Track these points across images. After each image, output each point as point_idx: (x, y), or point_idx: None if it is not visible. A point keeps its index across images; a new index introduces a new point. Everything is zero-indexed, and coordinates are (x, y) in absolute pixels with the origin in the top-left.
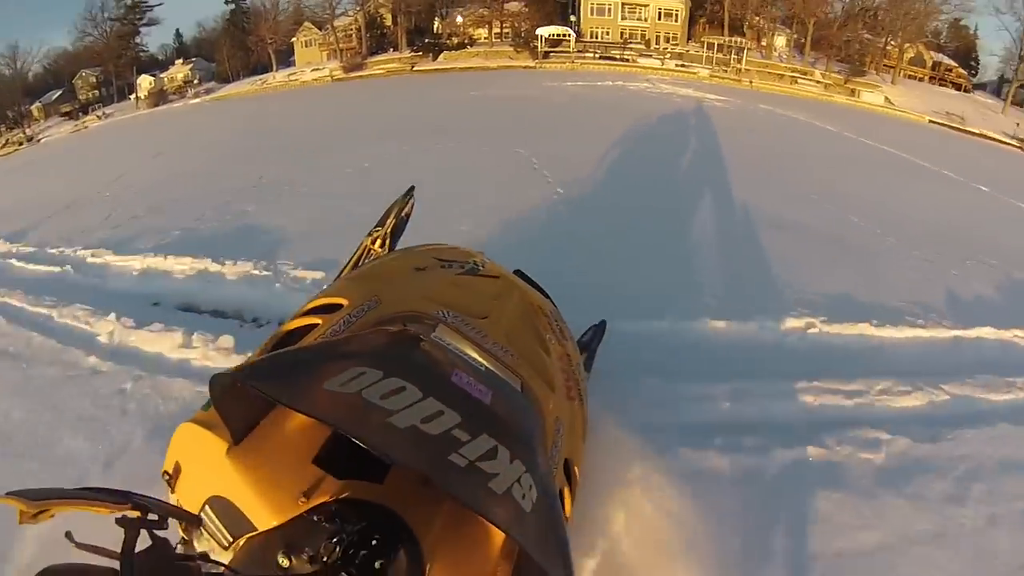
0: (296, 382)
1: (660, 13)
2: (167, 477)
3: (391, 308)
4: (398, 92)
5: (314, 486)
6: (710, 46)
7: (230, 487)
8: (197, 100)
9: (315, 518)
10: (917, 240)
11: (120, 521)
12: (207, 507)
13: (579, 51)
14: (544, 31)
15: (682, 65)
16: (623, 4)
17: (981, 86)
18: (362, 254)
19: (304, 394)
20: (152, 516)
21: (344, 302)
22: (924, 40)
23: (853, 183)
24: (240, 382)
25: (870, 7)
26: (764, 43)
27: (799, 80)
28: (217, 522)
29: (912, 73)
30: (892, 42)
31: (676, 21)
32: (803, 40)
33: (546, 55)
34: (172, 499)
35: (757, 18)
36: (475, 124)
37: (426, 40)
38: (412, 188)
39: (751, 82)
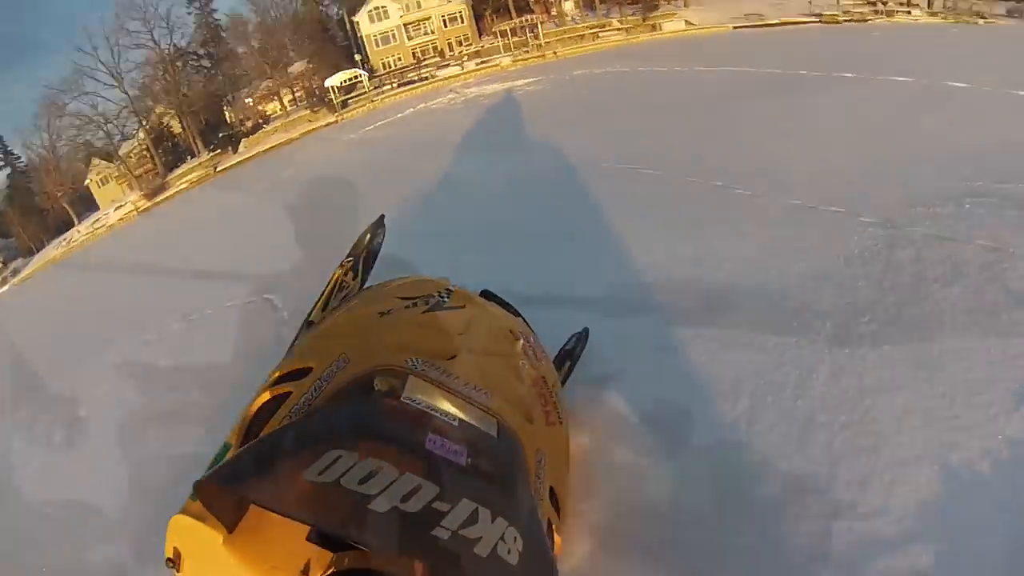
0: (276, 479)
1: (445, 20)
2: (170, 563)
3: (359, 365)
4: (195, 214)
5: (310, 561)
6: (503, 33)
7: (232, 572)
8: (5, 288)
9: None
10: None
11: None
12: None
13: (376, 87)
14: (333, 81)
15: (483, 62)
16: (405, 25)
17: None
18: (334, 286)
19: (285, 493)
20: None
21: (313, 365)
22: None
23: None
24: (222, 486)
25: None
26: (555, 12)
27: (600, 34)
28: None
29: None
30: None
31: (463, 23)
32: None
33: (344, 104)
34: None
35: None
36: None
37: (220, 135)
38: (382, 216)
39: (555, 52)
